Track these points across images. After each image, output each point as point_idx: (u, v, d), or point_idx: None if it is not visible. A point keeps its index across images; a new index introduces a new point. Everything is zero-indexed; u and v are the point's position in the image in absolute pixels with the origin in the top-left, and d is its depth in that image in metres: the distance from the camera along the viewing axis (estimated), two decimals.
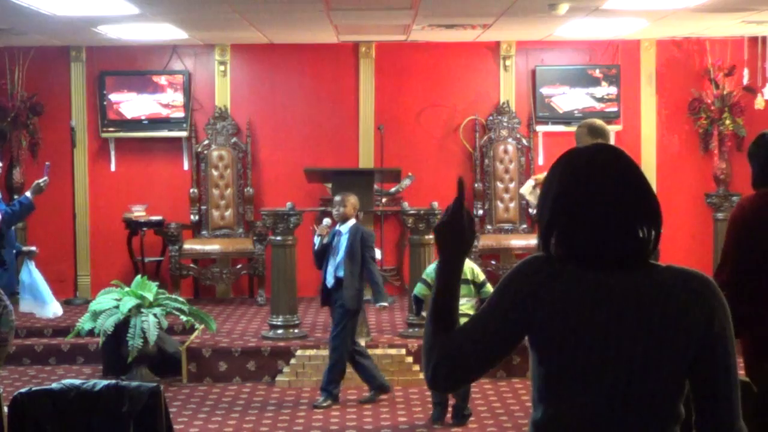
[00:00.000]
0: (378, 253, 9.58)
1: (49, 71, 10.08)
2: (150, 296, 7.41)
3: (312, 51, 10.14)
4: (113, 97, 10.03)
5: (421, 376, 7.39)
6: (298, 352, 7.60)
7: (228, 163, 10.07)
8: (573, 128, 6.77)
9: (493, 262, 9.58)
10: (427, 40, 10.00)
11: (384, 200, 9.76)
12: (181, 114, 10.08)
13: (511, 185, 10.02)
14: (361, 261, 6.82)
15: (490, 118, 10.15)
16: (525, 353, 2.14)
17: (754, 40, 9.96)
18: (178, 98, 10.08)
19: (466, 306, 6.26)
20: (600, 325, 2.04)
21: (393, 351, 7.62)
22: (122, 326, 7.17)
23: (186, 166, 10.21)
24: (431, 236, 7.91)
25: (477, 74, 10.27)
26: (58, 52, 10.08)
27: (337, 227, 6.94)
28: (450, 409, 6.51)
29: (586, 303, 2.05)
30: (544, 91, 10.09)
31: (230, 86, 10.24)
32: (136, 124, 10.09)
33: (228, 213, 10.05)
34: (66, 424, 3.84)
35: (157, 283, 7.86)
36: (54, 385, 3.93)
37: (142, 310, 7.29)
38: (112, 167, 10.21)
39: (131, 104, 10.06)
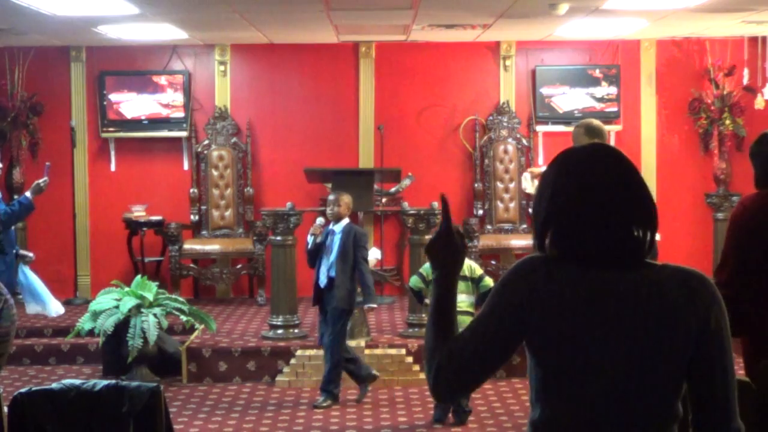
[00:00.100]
0: (378, 253, 9.59)
1: (49, 71, 10.08)
2: (150, 296, 7.41)
3: (312, 51, 10.14)
4: (113, 97, 10.03)
5: (422, 376, 7.44)
6: (298, 352, 7.60)
7: (228, 163, 10.07)
8: (573, 128, 6.76)
9: (493, 262, 9.58)
10: (427, 40, 10.00)
11: (384, 200, 9.76)
12: (181, 114, 10.08)
13: (511, 185, 10.02)
14: (353, 261, 6.82)
15: (490, 118, 10.15)
16: (525, 353, 2.14)
17: (754, 40, 9.96)
18: (178, 98, 10.08)
19: (465, 303, 6.26)
20: (596, 325, 2.04)
21: (393, 351, 7.62)
22: (122, 326, 7.17)
23: (186, 166, 10.21)
24: (431, 236, 7.92)
25: (477, 74, 10.27)
26: (58, 52, 10.08)
27: (331, 226, 6.93)
28: (451, 408, 6.51)
29: (581, 303, 2.05)
30: (544, 91, 10.09)
31: (230, 86, 10.24)
32: (136, 124, 10.09)
33: (228, 213, 10.05)
34: (66, 424, 3.83)
35: (157, 283, 7.86)
36: (54, 385, 3.93)
37: (142, 310, 7.29)
38: (112, 167, 10.21)
39: (131, 104, 10.06)
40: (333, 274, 6.83)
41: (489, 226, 9.99)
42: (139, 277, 7.72)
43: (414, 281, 6.63)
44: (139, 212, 9.63)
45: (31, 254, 7.56)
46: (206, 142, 10.08)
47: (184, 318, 7.50)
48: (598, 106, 10.08)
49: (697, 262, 9.71)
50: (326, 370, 6.91)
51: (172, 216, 9.80)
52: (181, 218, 9.84)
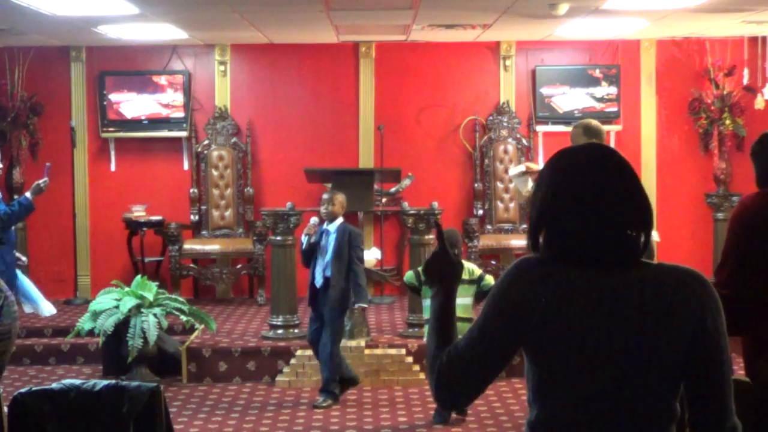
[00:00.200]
0: (378, 253, 9.60)
1: (49, 71, 10.08)
2: (150, 296, 7.41)
3: (312, 51, 10.14)
4: (113, 97, 10.03)
5: (422, 376, 7.45)
6: (298, 352, 7.60)
7: (228, 163, 10.07)
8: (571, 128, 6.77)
9: (493, 262, 9.58)
10: (427, 40, 10.00)
11: (384, 200, 9.76)
12: (181, 114, 10.08)
13: (511, 185, 10.01)
14: (348, 261, 6.82)
15: (490, 118, 10.15)
16: (523, 353, 2.14)
17: (754, 40, 9.96)
18: (178, 98, 10.08)
19: (463, 307, 6.23)
20: (591, 325, 2.04)
21: (393, 351, 7.62)
22: (122, 326, 7.17)
23: (186, 166, 10.21)
24: (431, 236, 7.95)
25: (477, 74, 10.27)
26: (58, 52, 10.08)
27: (325, 226, 6.91)
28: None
29: (576, 304, 2.05)
30: (544, 91, 10.09)
31: (230, 86, 10.24)
32: (136, 124, 10.09)
33: (228, 213, 10.05)
34: (66, 424, 3.84)
35: (157, 283, 7.86)
36: (54, 385, 3.93)
37: (142, 310, 7.29)
38: (112, 167, 10.21)
39: (131, 104, 10.06)
40: (329, 274, 6.82)
41: (489, 226, 10.00)
42: (139, 277, 7.72)
43: (408, 277, 6.63)
44: (139, 212, 9.63)
45: (24, 258, 7.56)
46: (206, 142, 10.08)
47: (184, 318, 7.50)
48: (598, 106, 10.08)
49: (697, 262, 9.71)
50: (325, 370, 6.90)
51: (172, 216, 9.80)
52: (181, 218, 9.84)
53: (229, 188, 10.07)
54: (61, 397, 3.85)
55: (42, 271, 10.01)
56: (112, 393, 3.84)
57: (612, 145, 10.04)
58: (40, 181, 7.26)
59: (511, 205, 9.97)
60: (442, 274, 2.22)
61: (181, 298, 7.81)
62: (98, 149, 10.20)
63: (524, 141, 10.07)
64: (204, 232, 9.97)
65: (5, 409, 4.00)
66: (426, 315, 6.40)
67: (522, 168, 7.38)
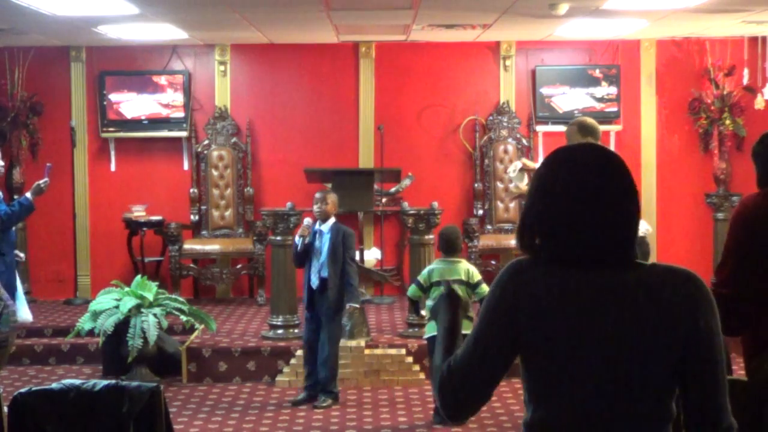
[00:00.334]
0: (378, 253, 9.60)
1: (49, 71, 10.08)
2: (150, 296, 7.41)
3: (312, 51, 10.14)
4: (113, 97, 10.03)
5: (422, 376, 7.45)
6: (298, 352, 7.59)
7: (228, 163, 10.07)
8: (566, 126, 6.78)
9: (493, 262, 9.58)
10: (427, 40, 10.00)
11: (384, 200, 9.76)
12: (181, 114, 10.08)
13: (511, 185, 10.00)
14: (342, 261, 6.82)
15: (490, 118, 10.15)
16: None
17: (754, 40, 9.96)
18: (178, 98, 10.08)
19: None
20: (584, 326, 2.04)
21: (393, 351, 7.62)
22: (122, 326, 7.17)
23: (186, 166, 10.21)
24: (431, 236, 7.96)
25: (477, 74, 10.27)
26: (58, 52, 10.07)
27: (317, 227, 6.89)
28: None
29: (569, 304, 2.05)
30: (544, 91, 10.09)
31: (230, 86, 10.24)
32: (136, 124, 10.09)
33: (228, 213, 10.05)
34: (66, 424, 3.84)
35: (157, 283, 7.86)
36: (54, 385, 3.93)
37: (142, 310, 7.29)
38: (112, 167, 10.21)
39: (131, 104, 10.06)
40: (325, 274, 6.82)
41: (489, 226, 10.00)
42: (139, 277, 7.72)
43: (412, 291, 6.58)
44: (139, 212, 9.63)
45: (21, 255, 7.53)
46: (206, 142, 10.08)
47: (184, 318, 7.50)
48: (598, 106, 10.07)
49: (697, 262, 9.72)
50: (324, 370, 6.90)
51: (172, 216, 9.79)
52: (181, 218, 9.84)
53: (229, 188, 10.07)
54: (61, 397, 3.85)
55: (42, 271, 10.02)
56: (112, 393, 3.84)
57: (612, 145, 10.05)
58: (41, 182, 7.26)
59: (512, 205, 9.97)
60: (448, 309, 2.31)
61: (181, 298, 7.81)
62: (98, 149, 10.20)
63: (524, 141, 10.07)
64: (204, 232, 9.97)
65: (5, 409, 4.00)
66: (427, 313, 6.39)
67: (519, 164, 7.39)
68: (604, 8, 7.75)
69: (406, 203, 8.56)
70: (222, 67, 10.21)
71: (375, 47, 10.16)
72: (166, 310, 7.40)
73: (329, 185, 8.77)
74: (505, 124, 10.11)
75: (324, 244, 6.84)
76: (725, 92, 9.88)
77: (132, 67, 10.17)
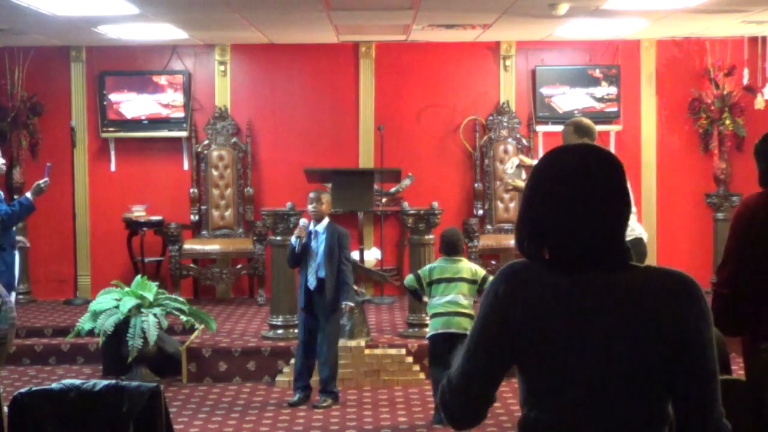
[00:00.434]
0: (378, 253, 9.60)
1: (49, 71, 10.08)
2: (150, 296, 7.41)
3: (312, 51, 10.14)
4: (113, 97, 10.03)
5: (422, 376, 7.45)
6: None
7: (228, 163, 10.07)
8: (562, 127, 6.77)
9: (493, 262, 9.58)
10: (427, 40, 10.00)
11: (384, 200, 9.76)
12: (181, 114, 10.08)
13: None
14: (338, 261, 6.83)
15: (490, 118, 10.15)
16: None
17: (754, 40, 9.96)
18: (178, 98, 10.08)
19: (466, 305, 6.23)
20: (576, 329, 2.03)
21: (393, 351, 7.62)
22: (122, 326, 7.17)
23: (186, 166, 10.21)
24: (431, 236, 7.95)
25: (477, 74, 10.27)
26: (58, 52, 10.07)
27: (312, 227, 6.88)
28: None
29: (561, 307, 2.05)
30: (544, 91, 10.09)
31: (230, 86, 10.24)
32: (136, 124, 10.09)
33: (228, 213, 10.05)
34: (66, 424, 3.84)
35: (157, 283, 7.86)
36: (54, 385, 3.93)
37: (142, 310, 7.29)
38: (112, 167, 10.21)
39: (131, 104, 10.06)
40: (322, 275, 6.82)
41: (489, 226, 10.00)
42: (139, 277, 7.72)
43: (408, 280, 6.59)
44: (139, 212, 9.63)
45: (27, 242, 7.47)
46: (206, 142, 10.08)
47: (184, 318, 7.50)
48: (598, 106, 10.07)
49: (697, 262, 9.73)
50: (324, 370, 6.90)
51: (172, 216, 9.80)
52: (181, 218, 9.84)
53: (229, 188, 10.07)
54: (61, 397, 3.85)
55: (42, 271, 10.01)
56: (112, 393, 3.84)
57: (612, 145, 10.06)
58: (41, 181, 7.26)
59: (511, 205, 9.97)
60: None
61: (181, 298, 7.81)
62: (98, 149, 10.20)
63: (524, 141, 10.07)
64: (204, 232, 9.98)
65: (5, 409, 4.00)
66: (431, 310, 6.40)
67: (516, 161, 7.39)
68: (604, 8, 7.75)
69: (406, 203, 8.56)
70: (222, 67, 10.21)
71: (375, 47, 10.16)
72: (166, 310, 7.40)
73: (329, 185, 8.78)
74: (505, 124, 10.11)
75: (320, 245, 6.84)
76: (725, 92, 9.88)
77: (132, 67, 10.17)
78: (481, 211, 10.02)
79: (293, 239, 6.88)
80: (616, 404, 2.03)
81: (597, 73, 10.08)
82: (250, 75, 10.33)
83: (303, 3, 7.47)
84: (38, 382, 7.51)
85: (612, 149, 9.98)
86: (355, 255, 8.68)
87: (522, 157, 7.73)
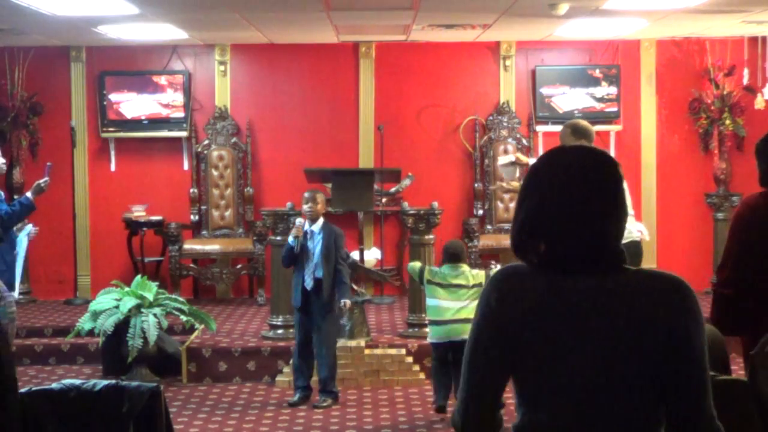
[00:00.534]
0: (378, 253, 9.59)
1: (49, 71, 10.08)
2: (150, 296, 7.41)
3: (312, 51, 10.14)
4: (113, 97, 10.03)
5: (422, 376, 7.46)
6: None
7: (228, 163, 10.07)
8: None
9: (493, 262, 9.56)
10: (427, 40, 10.00)
11: (384, 200, 9.76)
12: (181, 114, 10.08)
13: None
14: (335, 261, 6.84)
15: (490, 118, 10.15)
16: None
17: (754, 40, 9.96)
18: (178, 98, 10.08)
19: (467, 311, 6.22)
20: (567, 331, 2.03)
21: (393, 351, 7.62)
22: (122, 326, 7.17)
23: (186, 166, 10.21)
24: (431, 236, 7.96)
25: (477, 74, 10.27)
26: (58, 52, 10.07)
27: (307, 227, 6.87)
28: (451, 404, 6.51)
29: (552, 310, 2.04)
30: (544, 91, 10.09)
31: (230, 86, 10.24)
32: (136, 124, 10.09)
33: (228, 213, 10.05)
34: (66, 424, 3.84)
35: (157, 283, 7.86)
36: (54, 385, 3.93)
37: (142, 310, 7.29)
38: (112, 167, 10.21)
39: (131, 104, 10.06)
40: (319, 275, 6.81)
41: (489, 226, 10.00)
42: (139, 277, 7.72)
43: (412, 269, 6.73)
44: (139, 212, 9.63)
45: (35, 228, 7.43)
46: (206, 142, 10.08)
47: (184, 318, 7.50)
48: (598, 106, 10.07)
49: (697, 262, 9.74)
50: (324, 370, 6.90)
51: (172, 216, 9.79)
52: (181, 218, 9.84)
53: (229, 188, 10.07)
54: (61, 397, 3.85)
55: (42, 271, 10.01)
56: (112, 393, 3.84)
57: (612, 145, 10.06)
58: (41, 181, 7.25)
59: (512, 204, 9.97)
60: None
61: (181, 298, 7.81)
62: (98, 149, 10.20)
63: (524, 141, 10.07)
64: (204, 232, 9.97)
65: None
66: (431, 315, 6.44)
67: (512, 158, 7.40)
68: (604, 8, 7.75)
69: (406, 203, 8.56)
70: (222, 67, 10.21)
71: (375, 47, 10.16)
72: (166, 310, 7.40)
73: (329, 185, 8.78)
74: (505, 124, 10.11)
75: (316, 245, 6.84)
76: (725, 92, 9.88)
77: (132, 67, 10.17)
78: (481, 211, 10.02)
79: (291, 239, 6.87)
80: (610, 407, 2.02)
81: (597, 73, 10.07)
82: (250, 75, 10.33)
83: (303, 3, 7.47)
84: (38, 382, 7.51)
85: (612, 149, 9.99)
86: (355, 255, 8.68)
87: (519, 155, 7.73)
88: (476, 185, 10.05)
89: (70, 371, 7.97)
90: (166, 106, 10.08)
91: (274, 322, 7.89)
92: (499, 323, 2.08)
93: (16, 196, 8.61)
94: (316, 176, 8.86)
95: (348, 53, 10.22)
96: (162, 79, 10.10)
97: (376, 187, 9.00)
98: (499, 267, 7.23)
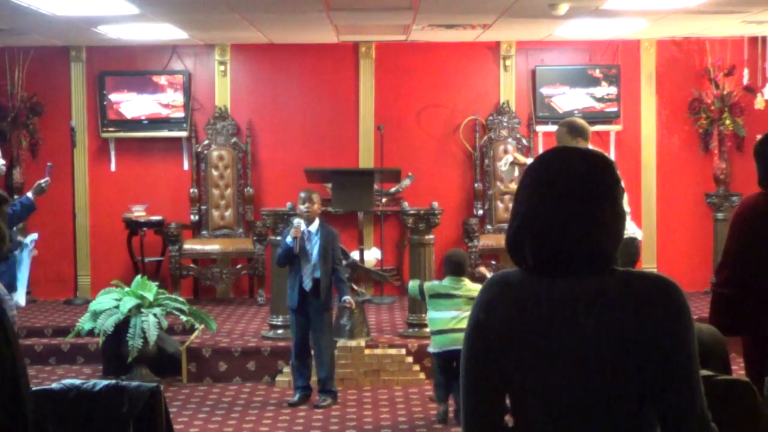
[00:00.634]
0: (378, 253, 9.60)
1: (49, 71, 10.08)
2: (150, 296, 7.41)
3: (312, 51, 10.14)
4: (113, 97, 10.03)
5: (421, 376, 7.46)
6: None
7: (228, 163, 10.07)
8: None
9: (493, 262, 9.58)
10: (427, 40, 10.00)
11: (384, 200, 9.76)
12: (181, 114, 10.08)
13: (512, 185, 10.01)
14: (332, 261, 6.86)
15: (490, 118, 10.15)
16: None
17: (754, 40, 9.96)
18: (178, 98, 10.08)
19: (465, 320, 6.23)
20: (550, 336, 2.02)
21: (393, 351, 7.62)
22: (122, 326, 7.17)
23: (186, 166, 10.21)
24: (431, 236, 7.96)
25: (477, 74, 10.27)
26: (58, 52, 10.07)
27: (305, 227, 6.85)
28: (452, 412, 6.51)
29: (536, 315, 2.03)
30: (544, 91, 10.09)
31: (230, 86, 10.24)
32: (136, 124, 10.09)
33: (228, 213, 10.05)
34: (66, 424, 3.84)
35: (157, 283, 7.86)
36: (54, 385, 3.93)
37: (142, 310, 7.29)
38: (112, 167, 10.21)
39: (131, 104, 10.06)
40: (318, 275, 6.81)
41: (489, 226, 10.00)
42: (139, 277, 7.72)
43: (412, 289, 6.70)
44: (139, 212, 9.63)
45: (31, 240, 7.42)
46: (206, 142, 10.08)
47: (184, 318, 7.50)
48: (598, 106, 10.07)
49: (697, 262, 9.74)
50: (323, 370, 6.89)
51: (172, 216, 9.80)
52: (181, 218, 9.84)
53: (229, 188, 10.07)
54: (61, 397, 3.85)
55: (42, 271, 10.00)
56: (112, 393, 3.84)
57: (612, 145, 10.06)
58: (42, 181, 7.25)
59: (512, 205, 9.95)
60: None
61: (181, 298, 7.81)
62: (98, 149, 10.20)
63: (524, 141, 10.07)
64: (204, 232, 9.98)
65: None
66: (432, 326, 6.44)
67: (510, 158, 7.41)
68: (604, 8, 7.75)
69: (406, 203, 8.56)
70: (222, 67, 10.21)
71: (375, 47, 10.16)
72: (166, 310, 7.40)
73: (329, 185, 8.78)
74: (505, 124, 10.11)
75: (314, 246, 6.83)
76: (725, 92, 9.88)
77: (132, 67, 10.17)
78: (481, 211, 10.02)
79: (289, 240, 6.84)
80: (599, 412, 2.00)
81: (597, 73, 10.08)
82: (250, 75, 10.33)
83: (303, 3, 7.47)
84: (38, 382, 7.50)
85: (612, 149, 9.99)
86: (355, 255, 8.68)
87: (516, 155, 7.73)
88: (476, 185, 10.06)
89: (70, 371, 7.97)
90: (166, 106, 10.08)
91: (274, 322, 7.89)
92: (486, 332, 2.08)
93: (16, 196, 8.61)
94: (316, 176, 8.86)
95: (348, 53, 10.22)
96: (162, 79, 10.10)
97: (376, 187, 9.00)
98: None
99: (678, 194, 10.17)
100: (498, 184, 10.04)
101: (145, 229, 9.63)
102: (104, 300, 7.36)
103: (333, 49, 10.14)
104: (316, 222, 6.88)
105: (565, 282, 2.03)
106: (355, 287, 7.75)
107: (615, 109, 10.09)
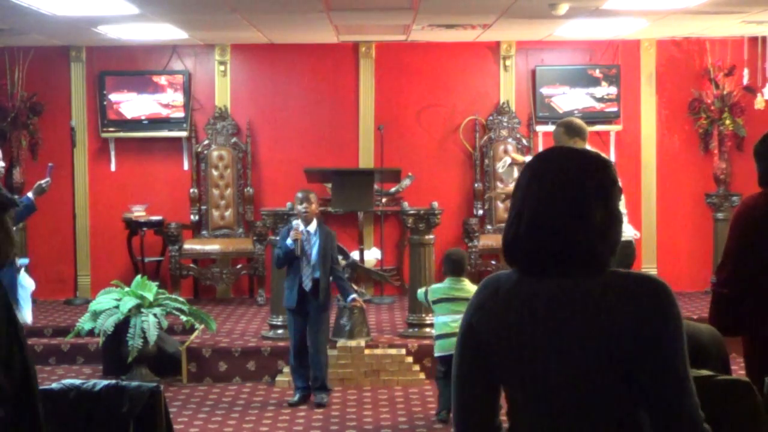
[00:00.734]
0: (378, 253, 9.60)
1: (49, 71, 10.08)
2: (150, 296, 7.41)
3: (312, 51, 10.14)
4: (113, 97, 10.03)
5: (422, 376, 7.46)
6: None
7: (228, 163, 10.07)
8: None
9: (493, 262, 9.58)
10: (427, 40, 10.00)
11: (384, 200, 9.76)
12: (181, 114, 10.08)
13: (511, 185, 10.00)
14: (331, 262, 6.88)
15: (490, 118, 10.15)
16: None
17: (754, 40, 9.96)
18: (178, 98, 10.08)
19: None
20: (538, 336, 2.02)
21: (393, 351, 7.62)
22: (122, 326, 7.17)
23: (186, 166, 10.21)
24: (431, 236, 7.96)
25: (477, 74, 10.27)
26: (58, 52, 10.07)
27: (303, 228, 6.84)
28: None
29: (524, 316, 2.03)
30: (544, 91, 10.09)
31: (230, 86, 10.24)
32: (136, 124, 10.09)
33: (228, 213, 10.05)
34: (66, 424, 3.84)
35: (157, 283, 7.86)
36: (54, 385, 3.93)
37: (142, 310, 7.29)
38: (112, 167, 10.21)
39: (131, 104, 10.06)
40: (317, 275, 6.81)
41: (489, 226, 10.00)
42: (139, 277, 7.72)
43: (420, 295, 6.69)
44: (139, 212, 9.63)
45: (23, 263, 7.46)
46: (206, 142, 10.08)
47: (184, 318, 7.50)
48: (598, 106, 10.07)
49: (697, 262, 9.74)
50: (319, 369, 6.88)
51: (172, 216, 9.79)
52: (181, 218, 9.84)
53: (229, 188, 10.07)
54: (61, 397, 3.85)
55: (42, 271, 10.00)
56: (112, 393, 3.84)
57: (612, 145, 10.05)
58: (43, 181, 7.25)
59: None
60: None
61: (181, 298, 7.81)
62: (98, 149, 10.20)
63: (524, 141, 10.07)
64: (204, 232, 9.98)
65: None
66: (438, 330, 6.43)
67: (508, 160, 7.41)
68: (604, 8, 7.75)
69: (406, 203, 8.56)
70: (222, 67, 10.21)
71: (375, 47, 10.16)
72: (166, 310, 7.40)
73: (329, 185, 8.78)
74: (505, 124, 10.11)
75: (313, 246, 6.83)
76: (725, 92, 9.88)
77: (132, 67, 10.17)
78: (481, 211, 10.02)
79: (289, 242, 6.82)
80: (588, 413, 2.00)
81: (597, 73, 10.07)
82: (250, 75, 10.33)
83: (303, 3, 7.47)
84: (38, 382, 7.50)
85: (612, 149, 9.99)
86: (355, 255, 8.68)
87: (514, 155, 7.74)
88: (476, 185, 10.06)
89: (70, 371, 7.97)
90: (166, 106, 10.08)
91: (274, 322, 7.89)
92: (477, 334, 2.09)
93: (16, 197, 8.60)
94: (316, 176, 8.86)
95: (348, 53, 10.22)
96: (162, 79, 10.10)
97: (376, 187, 9.00)
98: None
99: (678, 194, 10.17)
100: (498, 184, 10.04)
101: (145, 229, 9.63)
102: (104, 300, 7.37)
103: (333, 49, 10.14)
104: (314, 222, 6.88)
105: (558, 283, 2.03)
106: (355, 287, 7.75)
107: (615, 109, 10.09)
